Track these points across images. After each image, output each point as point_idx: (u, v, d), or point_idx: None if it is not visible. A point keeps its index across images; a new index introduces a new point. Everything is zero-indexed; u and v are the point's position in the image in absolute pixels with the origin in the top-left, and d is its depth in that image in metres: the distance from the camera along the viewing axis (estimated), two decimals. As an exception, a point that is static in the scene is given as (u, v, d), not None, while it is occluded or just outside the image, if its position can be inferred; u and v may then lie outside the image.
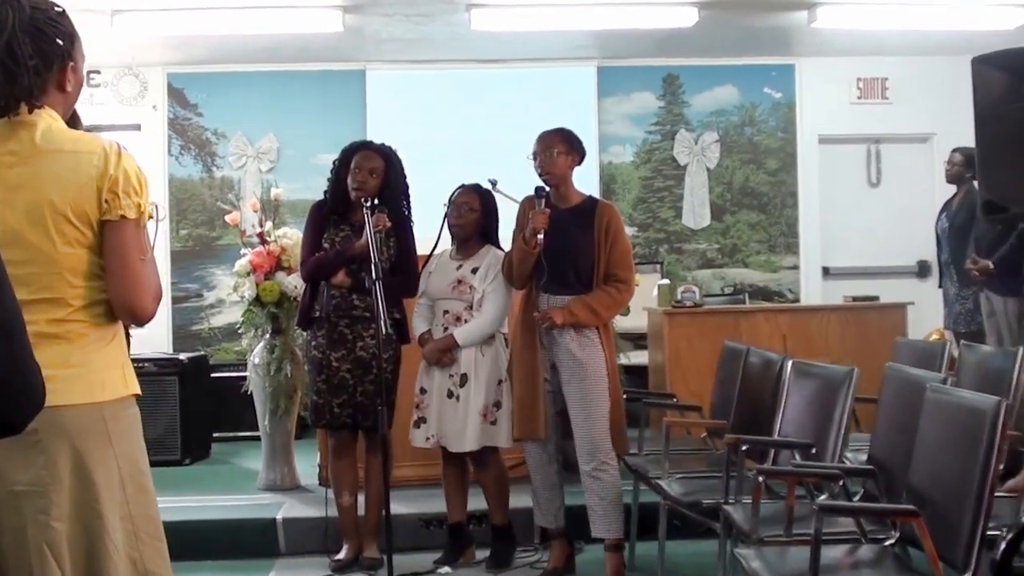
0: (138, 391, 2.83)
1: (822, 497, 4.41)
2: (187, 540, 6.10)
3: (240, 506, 6.94)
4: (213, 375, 9.28)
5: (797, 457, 4.64)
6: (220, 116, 10.84)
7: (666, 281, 8.29)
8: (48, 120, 2.70)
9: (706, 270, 11.06)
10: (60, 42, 2.69)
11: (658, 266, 10.56)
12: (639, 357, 8.63)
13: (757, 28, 9.92)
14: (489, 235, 6.03)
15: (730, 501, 4.69)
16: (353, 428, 5.88)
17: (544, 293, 5.59)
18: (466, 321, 5.84)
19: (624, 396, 6.19)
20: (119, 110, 10.58)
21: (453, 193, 5.99)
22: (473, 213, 5.93)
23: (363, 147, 5.94)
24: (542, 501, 5.81)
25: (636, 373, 8.48)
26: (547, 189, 5.58)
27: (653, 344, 8.17)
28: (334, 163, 5.96)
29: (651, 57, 10.84)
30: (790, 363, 5.29)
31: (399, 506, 6.33)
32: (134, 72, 10.57)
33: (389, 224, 5.65)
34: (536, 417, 5.58)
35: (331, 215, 5.92)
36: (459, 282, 5.86)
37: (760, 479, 4.09)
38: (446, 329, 5.85)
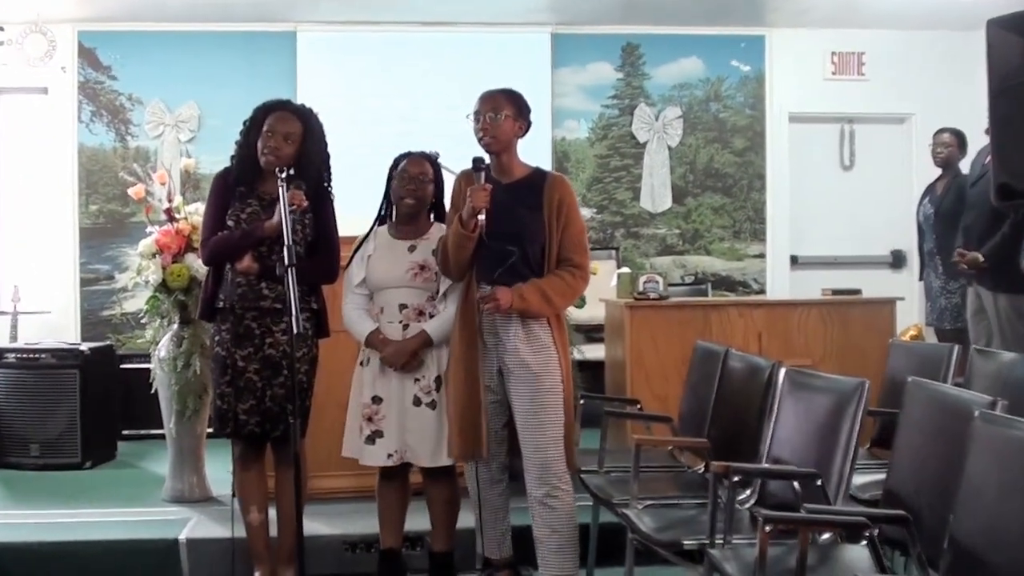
0: None
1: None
2: (72, 566, 5.63)
3: (139, 523, 6.17)
4: (124, 366, 8.55)
5: (797, 489, 3.86)
6: (136, 80, 10.14)
7: (627, 269, 7.64)
8: None
9: (665, 257, 10.58)
10: None
11: (614, 252, 10.18)
12: (594, 351, 7.91)
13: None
14: (439, 211, 5.26)
15: (717, 541, 3.89)
16: (262, 437, 5.12)
17: (487, 285, 4.80)
18: (431, 315, 5.05)
19: (581, 400, 5.62)
20: (24, 71, 9.92)
21: (399, 162, 5.20)
22: (429, 184, 5.16)
23: (278, 107, 5.18)
24: (485, 528, 5.11)
25: (590, 369, 7.77)
26: (487, 161, 4.85)
27: (611, 339, 7.47)
28: (244, 123, 5.20)
29: (610, 24, 10.34)
30: (783, 371, 4.51)
31: (320, 525, 5.84)
32: (41, 30, 9.91)
33: (306, 202, 4.90)
34: (477, 433, 4.84)
35: (237, 186, 5.14)
36: (421, 267, 5.06)
37: (767, 528, 3.24)
38: (406, 326, 5.03)
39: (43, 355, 7.70)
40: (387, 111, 9.96)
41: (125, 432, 8.51)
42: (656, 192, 10.56)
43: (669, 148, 10.56)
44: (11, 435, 7.64)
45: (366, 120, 9.80)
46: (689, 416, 5.39)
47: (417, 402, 5.00)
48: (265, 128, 5.03)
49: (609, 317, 7.53)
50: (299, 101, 8.82)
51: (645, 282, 7.20)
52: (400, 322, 5.03)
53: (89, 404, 7.71)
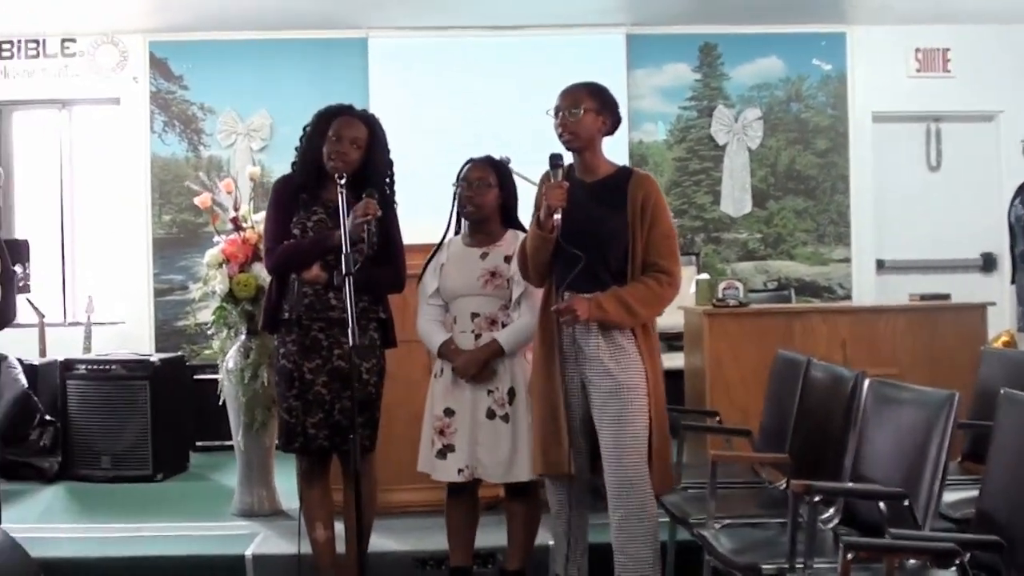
0: None
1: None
2: (139, 582, 5.54)
3: (207, 538, 6.08)
4: (197, 377, 8.45)
5: (883, 509, 3.63)
6: (207, 89, 10.14)
7: (705, 276, 7.43)
8: None
9: (747, 262, 10.35)
10: None
11: (694, 258, 9.96)
12: (674, 360, 7.68)
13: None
14: (511, 217, 5.06)
15: (798, 565, 3.68)
16: (330, 451, 5.00)
17: (567, 291, 4.55)
18: (504, 324, 4.87)
19: None
20: (96, 82, 9.98)
21: (462, 169, 5.03)
22: (490, 189, 4.95)
23: (342, 112, 5.04)
24: (563, 548, 4.83)
25: (671, 379, 7.53)
26: (564, 157, 4.60)
27: (690, 348, 7.23)
28: (304, 129, 5.08)
29: (687, 24, 10.15)
30: (867, 382, 4.27)
31: (391, 540, 5.69)
32: (113, 40, 9.95)
33: (380, 211, 4.73)
34: (559, 449, 4.59)
35: (299, 193, 5.01)
36: (492, 274, 4.88)
37: (848, 556, 3.02)
38: (478, 336, 4.87)
39: (113, 366, 7.65)
40: (459, 117, 9.85)
41: (199, 443, 8.49)
42: (736, 196, 10.36)
43: (749, 150, 10.36)
44: (82, 447, 7.61)
45: (437, 126, 9.70)
46: (770, 429, 5.16)
47: (491, 415, 4.82)
48: (331, 133, 4.89)
49: (688, 325, 7.30)
50: (371, 108, 9.03)
51: (724, 289, 6.98)
52: (472, 331, 4.87)
53: (160, 416, 7.65)
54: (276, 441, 6.42)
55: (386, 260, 4.95)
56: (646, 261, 4.52)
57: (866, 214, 10.37)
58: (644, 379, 4.51)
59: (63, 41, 9.83)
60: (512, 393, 4.82)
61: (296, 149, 5.10)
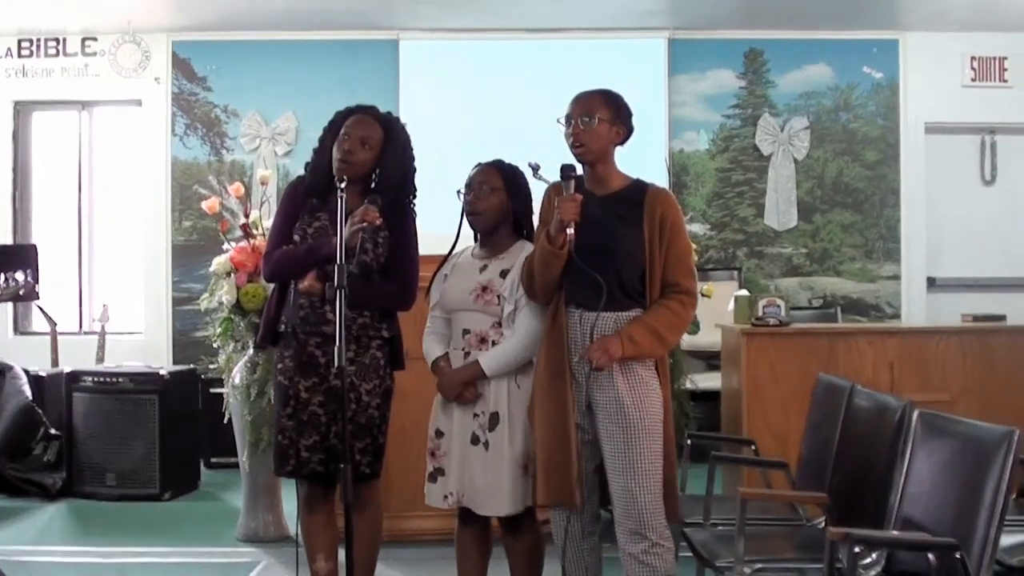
0: None
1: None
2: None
3: (206, 565, 5.87)
4: (213, 390, 8.04)
5: (932, 560, 3.27)
6: (232, 91, 9.95)
7: (744, 292, 7.11)
8: None
9: (791, 278, 10.10)
10: None
11: (735, 273, 9.82)
12: (710, 381, 7.35)
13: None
14: (523, 226, 4.69)
15: (835, 620, 3.28)
16: (326, 477, 4.62)
17: (576, 309, 4.23)
18: (494, 343, 4.49)
19: (688, 440, 5.06)
20: (117, 83, 9.82)
21: (469, 174, 4.69)
22: (494, 194, 4.57)
23: (359, 111, 4.70)
24: None
25: (707, 400, 7.35)
26: (577, 169, 4.26)
27: (727, 369, 6.88)
28: (324, 130, 4.74)
29: (731, 29, 9.95)
30: (916, 414, 3.86)
31: (398, 572, 5.55)
32: (135, 39, 9.74)
33: (379, 219, 4.40)
34: (567, 477, 4.22)
35: (308, 197, 4.69)
36: (483, 289, 4.51)
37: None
38: (467, 354, 4.51)
39: (121, 379, 7.40)
40: (492, 122, 9.66)
41: (214, 460, 8.26)
42: (781, 208, 10.12)
43: (795, 161, 10.11)
44: (87, 463, 7.37)
45: (469, 131, 9.53)
46: (809, 462, 4.76)
47: (475, 440, 4.49)
48: (342, 131, 4.58)
49: (725, 344, 6.95)
50: (400, 111, 8.81)
51: (765, 306, 6.60)
52: (462, 349, 4.53)
53: (169, 431, 7.39)
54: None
55: (393, 274, 4.62)
56: (665, 280, 4.20)
57: (917, 229, 10.13)
58: (659, 403, 4.21)
59: (83, 40, 9.68)
60: (495, 418, 4.46)
61: (313, 150, 4.79)
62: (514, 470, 4.40)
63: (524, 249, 4.51)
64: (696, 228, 9.66)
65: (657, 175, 7.61)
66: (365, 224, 4.33)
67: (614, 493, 4.19)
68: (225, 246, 6.34)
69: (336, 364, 3.97)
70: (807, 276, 10.09)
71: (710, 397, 7.37)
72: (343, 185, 4.31)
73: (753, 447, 5.30)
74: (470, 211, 4.58)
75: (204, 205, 6.42)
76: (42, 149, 10.03)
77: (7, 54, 9.68)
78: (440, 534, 5.53)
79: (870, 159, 10.13)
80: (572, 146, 4.27)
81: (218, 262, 6.24)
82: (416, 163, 4.74)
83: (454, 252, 4.73)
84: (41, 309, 8.53)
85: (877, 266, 10.10)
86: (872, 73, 10.11)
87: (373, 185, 4.56)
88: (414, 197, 4.75)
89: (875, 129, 10.11)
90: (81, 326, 9.70)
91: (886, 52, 10.07)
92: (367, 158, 4.54)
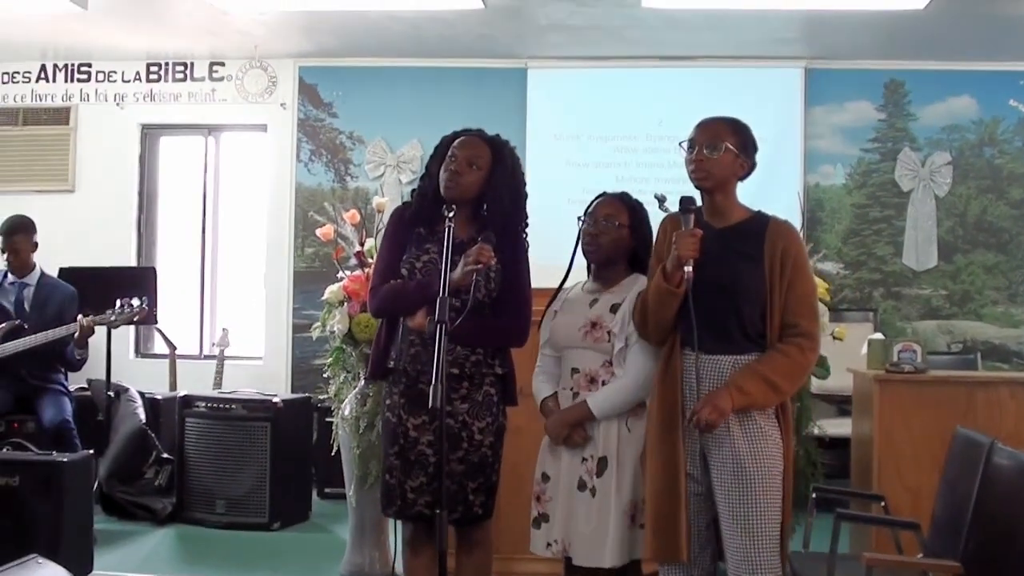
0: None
1: None
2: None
3: None
4: (328, 419, 7.85)
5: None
6: (357, 118, 9.95)
7: (879, 335, 6.70)
8: None
9: (929, 321, 9.74)
10: None
11: (870, 314, 9.46)
12: (841, 427, 7.03)
13: (1002, 21, 8.49)
14: (641, 262, 4.44)
15: None
16: (433, 519, 4.36)
17: (693, 351, 3.97)
18: (604, 382, 4.28)
19: (814, 495, 4.81)
20: (243, 108, 9.91)
21: (591, 203, 4.50)
22: (620, 229, 4.39)
23: (466, 133, 4.53)
24: None
25: (837, 447, 7.00)
26: (697, 203, 4.04)
27: (858, 416, 6.55)
28: (430, 156, 4.59)
29: (871, 59, 9.61)
30: (1063, 476, 3.51)
31: None
32: (262, 65, 9.80)
33: (494, 260, 4.21)
34: (676, 532, 3.98)
35: (415, 226, 4.50)
36: (593, 325, 4.31)
37: None
38: (576, 394, 4.32)
39: (234, 406, 7.35)
40: (620, 152, 9.58)
41: (328, 490, 8.16)
42: (921, 248, 9.79)
43: (936, 198, 9.77)
44: (197, 489, 7.32)
45: (597, 161, 9.47)
46: (942, 523, 4.43)
47: (582, 486, 4.28)
48: (448, 153, 4.41)
49: (857, 390, 6.61)
50: (527, 139, 8.70)
51: (900, 351, 6.27)
52: (571, 389, 4.34)
53: (280, 460, 7.31)
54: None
55: (506, 309, 4.43)
56: (785, 321, 3.95)
57: (1065, 272, 9.73)
58: (779, 456, 3.96)
59: (211, 64, 9.77)
60: (603, 463, 4.24)
61: (420, 177, 4.64)
62: (621, 519, 4.20)
63: (637, 283, 4.30)
64: (830, 267, 9.33)
65: (790, 210, 7.36)
66: (480, 266, 4.14)
67: (727, 549, 3.95)
68: (340, 274, 6.23)
69: (431, 403, 3.72)
70: (946, 319, 9.74)
71: (842, 444, 7.03)
72: (451, 215, 4.13)
73: (883, 503, 5.00)
74: (591, 243, 4.39)
75: (319, 232, 6.33)
76: (168, 173, 10.12)
77: (136, 78, 9.80)
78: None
79: (1015, 197, 9.77)
80: (692, 173, 4.06)
81: (331, 290, 6.14)
82: (527, 188, 4.55)
83: (565, 286, 4.53)
84: (161, 332, 8.53)
85: (1021, 310, 9.72)
86: (1019, 106, 9.72)
87: (483, 211, 4.38)
88: (526, 225, 4.54)
89: (1021, 166, 9.75)
90: (201, 350, 9.73)
91: (1034, 85, 9.76)
92: (475, 179, 4.37)
